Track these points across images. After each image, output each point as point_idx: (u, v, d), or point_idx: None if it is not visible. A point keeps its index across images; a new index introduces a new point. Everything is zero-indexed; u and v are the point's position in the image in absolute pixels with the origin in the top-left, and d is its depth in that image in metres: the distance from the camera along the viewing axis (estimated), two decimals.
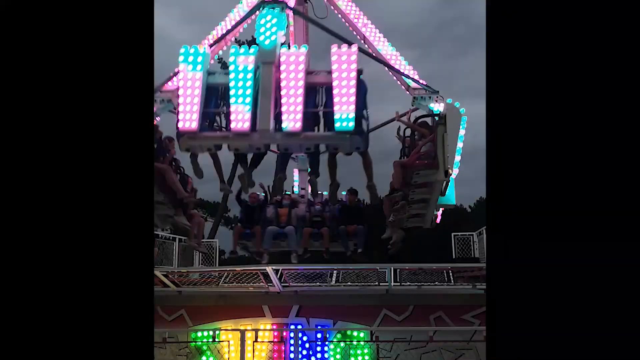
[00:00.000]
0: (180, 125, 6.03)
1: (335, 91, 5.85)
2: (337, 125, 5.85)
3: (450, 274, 10.17)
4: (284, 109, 5.88)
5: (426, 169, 7.11)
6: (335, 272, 10.50)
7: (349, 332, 9.09)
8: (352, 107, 5.84)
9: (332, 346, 9.01)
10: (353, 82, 5.86)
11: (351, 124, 5.85)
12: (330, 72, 5.93)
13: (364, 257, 9.69)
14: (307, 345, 9.02)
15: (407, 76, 8.16)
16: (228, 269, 10.38)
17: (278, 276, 9.41)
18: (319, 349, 9.03)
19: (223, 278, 10.49)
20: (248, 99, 5.91)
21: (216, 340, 9.02)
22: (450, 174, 6.90)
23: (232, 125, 5.92)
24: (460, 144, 6.96)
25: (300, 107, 5.88)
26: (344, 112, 5.85)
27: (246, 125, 5.89)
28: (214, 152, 6.62)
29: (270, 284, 9.51)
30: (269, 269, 9.16)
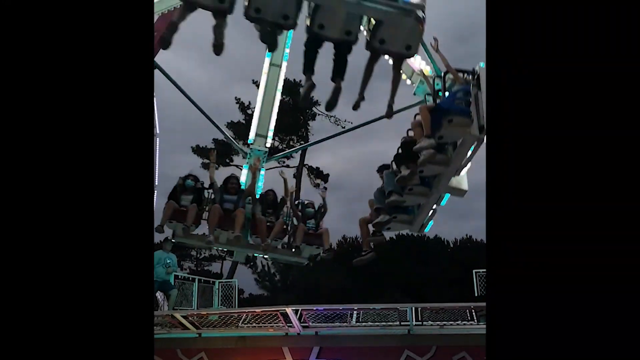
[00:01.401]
0: None
1: None
2: None
3: (474, 313, 9.97)
4: None
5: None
6: (355, 312, 10.36)
7: None
8: None
9: None
10: None
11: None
12: None
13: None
14: None
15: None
16: (247, 311, 10.31)
17: (297, 317, 9.32)
18: None
19: (242, 319, 10.41)
20: None
21: None
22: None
23: None
24: None
25: None
26: None
27: None
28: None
29: (290, 325, 9.41)
30: (289, 310, 9.08)
